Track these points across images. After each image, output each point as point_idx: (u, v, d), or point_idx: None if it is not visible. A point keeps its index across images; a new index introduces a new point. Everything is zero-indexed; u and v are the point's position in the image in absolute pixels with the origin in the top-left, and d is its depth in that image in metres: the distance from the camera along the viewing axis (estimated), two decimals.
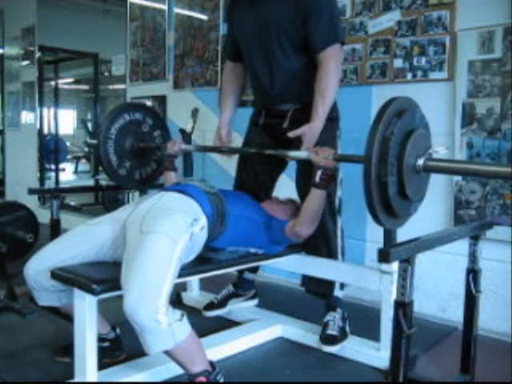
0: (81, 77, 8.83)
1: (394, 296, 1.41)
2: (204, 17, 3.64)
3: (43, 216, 3.30)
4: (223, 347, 2.11)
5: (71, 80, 9.25)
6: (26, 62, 5.46)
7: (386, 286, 2.03)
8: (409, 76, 2.63)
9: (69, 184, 7.51)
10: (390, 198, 1.43)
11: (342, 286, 2.26)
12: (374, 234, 2.62)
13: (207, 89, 3.64)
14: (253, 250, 2.07)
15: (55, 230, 2.59)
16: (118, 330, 2.07)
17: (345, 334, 2.17)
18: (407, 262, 1.36)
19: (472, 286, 1.72)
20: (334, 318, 2.19)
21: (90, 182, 6.82)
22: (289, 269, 2.35)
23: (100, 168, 5.24)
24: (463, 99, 2.45)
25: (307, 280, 2.32)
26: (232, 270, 2.14)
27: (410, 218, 1.63)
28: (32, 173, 5.49)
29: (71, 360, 1.77)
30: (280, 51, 2.11)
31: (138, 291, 1.51)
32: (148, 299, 1.50)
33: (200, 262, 1.90)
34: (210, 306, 2.49)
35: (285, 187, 2.42)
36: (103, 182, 4.52)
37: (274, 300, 2.76)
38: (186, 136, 3.38)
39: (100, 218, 1.95)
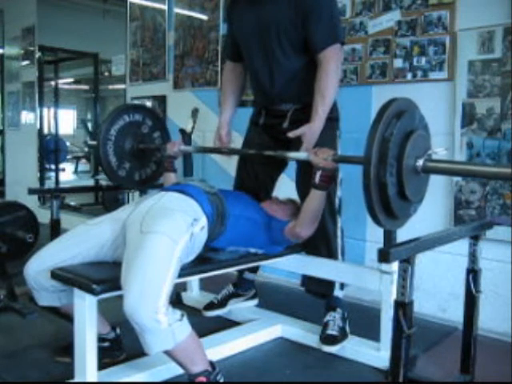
0: (81, 77, 8.83)
1: (393, 296, 1.41)
2: (204, 17, 3.64)
3: (43, 216, 3.30)
4: (223, 347, 2.11)
5: (71, 80, 9.25)
6: (26, 62, 5.46)
7: (386, 286, 2.03)
8: (409, 76, 2.63)
9: (69, 184, 7.51)
10: (390, 199, 1.43)
11: (342, 285, 2.26)
12: (374, 234, 2.62)
13: (207, 89, 3.64)
14: (253, 250, 2.07)
15: (55, 229, 2.60)
16: (117, 330, 2.07)
17: (345, 334, 2.17)
18: (407, 262, 1.36)
19: (472, 285, 1.72)
20: (334, 318, 2.19)
21: (90, 182, 6.82)
22: (289, 269, 2.35)
23: (100, 168, 5.24)
24: (463, 99, 2.45)
25: (307, 280, 2.32)
26: (232, 269, 2.14)
27: (409, 218, 1.63)
28: (32, 173, 5.49)
29: (71, 360, 1.77)
30: (280, 51, 2.11)
31: (138, 291, 1.51)
32: (148, 299, 1.50)
33: (200, 262, 1.90)
34: (210, 306, 2.49)
35: (285, 187, 2.42)
36: (103, 182, 4.51)
37: (274, 300, 2.76)
38: (186, 136, 3.37)
39: (100, 218, 1.95)
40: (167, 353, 1.60)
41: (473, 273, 1.73)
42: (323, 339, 2.14)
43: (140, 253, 1.60)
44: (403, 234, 1.70)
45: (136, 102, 4.15)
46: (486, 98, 2.39)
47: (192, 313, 2.25)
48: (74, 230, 1.91)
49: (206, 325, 2.31)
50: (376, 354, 2.07)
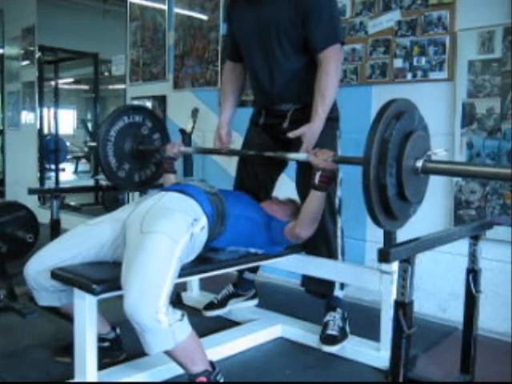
0: (81, 77, 8.83)
1: (394, 296, 1.41)
2: (204, 17, 3.64)
3: (43, 216, 3.30)
4: (223, 347, 2.11)
5: (71, 80, 9.24)
6: (26, 62, 5.46)
7: (386, 286, 2.03)
8: (409, 76, 2.63)
9: (69, 184, 7.51)
10: (389, 200, 1.43)
11: (342, 285, 2.26)
12: (374, 234, 2.62)
13: (207, 89, 3.64)
14: (253, 250, 2.07)
15: (55, 230, 2.60)
16: (117, 330, 2.08)
17: (345, 334, 2.17)
18: (407, 262, 1.36)
19: (472, 285, 1.72)
20: (334, 318, 2.19)
21: (90, 182, 6.82)
22: (289, 269, 2.35)
23: (100, 168, 5.25)
24: (463, 99, 2.45)
25: (307, 280, 2.32)
26: (232, 269, 2.14)
27: (409, 219, 1.63)
28: (32, 173, 5.49)
29: (71, 360, 1.77)
30: (280, 51, 2.11)
31: (139, 291, 1.51)
32: (148, 299, 1.51)
33: (200, 262, 1.90)
34: (210, 306, 2.49)
35: (285, 187, 2.42)
36: (103, 182, 4.52)
37: (274, 300, 2.76)
38: (186, 136, 3.38)
39: (100, 218, 1.95)
40: (167, 353, 1.60)
41: (473, 273, 1.73)
42: (323, 339, 2.14)
43: (140, 253, 1.60)
44: (403, 234, 1.70)
45: (136, 102, 4.15)
46: (485, 98, 2.39)
47: (192, 313, 2.25)
48: (73, 230, 1.91)
49: (206, 325, 2.31)
50: (376, 354, 2.07)
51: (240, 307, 2.52)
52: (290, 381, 1.98)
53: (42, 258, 1.82)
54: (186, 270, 1.80)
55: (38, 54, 5.31)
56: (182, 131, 3.39)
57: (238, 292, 2.53)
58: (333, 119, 2.15)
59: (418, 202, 1.60)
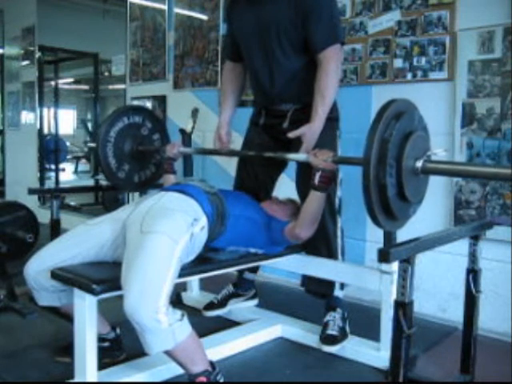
0: (81, 77, 8.83)
1: (394, 296, 1.41)
2: (204, 17, 3.64)
3: (43, 216, 3.30)
4: (223, 347, 2.11)
5: (71, 80, 9.24)
6: (26, 62, 5.46)
7: (386, 286, 2.03)
8: (409, 76, 2.63)
9: (69, 184, 7.51)
10: (389, 200, 1.43)
11: (342, 285, 2.26)
12: (374, 234, 2.62)
13: (207, 89, 3.64)
14: (253, 250, 2.07)
15: (55, 230, 2.60)
16: (117, 330, 2.08)
17: (345, 334, 2.17)
18: (407, 262, 1.36)
19: (472, 285, 1.72)
20: (334, 318, 2.19)
21: (90, 182, 6.83)
22: (289, 269, 2.35)
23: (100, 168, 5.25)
24: (463, 99, 2.45)
25: (307, 280, 2.32)
26: (232, 269, 2.14)
27: (408, 219, 1.63)
28: (32, 173, 5.49)
29: (71, 360, 1.77)
30: (280, 51, 2.11)
31: (139, 291, 1.51)
32: (148, 299, 1.51)
33: (200, 262, 1.90)
34: (210, 306, 2.49)
35: (285, 187, 2.42)
36: (103, 182, 4.52)
37: (274, 300, 2.76)
38: (186, 136, 3.38)
39: (100, 218, 1.95)
40: (167, 353, 1.60)
41: (473, 273, 1.73)
42: (323, 339, 2.14)
43: (140, 252, 1.60)
44: (403, 234, 1.70)
45: (136, 102, 4.15)
46: (486, 98, 2.39)
47: (192, 313, 2.25)
48: (73, 230, 1.91)
49: (206, 325, 2.31)
50: (376, 354, 2.07)
51: (240, 307, 2.52)
52: (290, 381, 1.98)
53: (42, 258, 1.82)
54: (186, 270, 1.80)
55: (38, 54, 5.31)
56: (182, 131, 3.39)
57: (238, 292, 2.53)
58: (333, 119, 2.15)
59: (417, 202, 1.60)
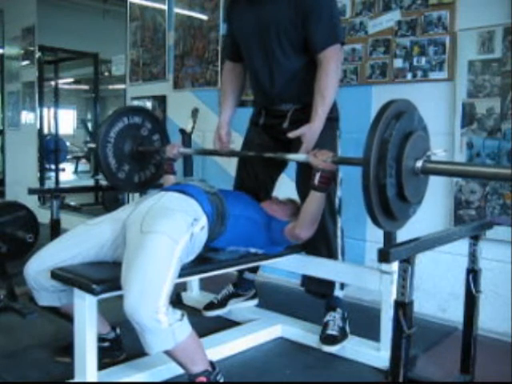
0: (81, 77, 8.83)
1: (394, 296, 1.41)
2: (204, 17, 3.64)
3: (43, 216, 3.30)
4: (223, 347, 2.11)
5: (71, 80, 9.25)
6: (26, 62, 5.46)
7: (386, 286, 2.03)
8: (409, 76, 2.63)
9: (69, 184, 7.51)
10: (389, 200, 1.43)
11: (342, 285, 2.26)
12: (374, 234, 2.62)
13: (207, 89, 3.64)
14: (253, 250, 2.07)
15: (55, 230, 2.60)
16: (117, 330, 2.08)
17: (345, 333, 2.17)
18: (407, 262, 1.36)
19: (472, 285, 1.72)
20: (334, 318, 2.19)
21: (90, 182, 6.83)
22: (289, 269, 2.35)
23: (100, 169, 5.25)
24: (463, 99, 2.45)
25: (307, 280, 2.32)
26: (232, 269, 2.14)
27: (408, 220, 1.63)
28: (32, 173, 5.49)
29: (71, 360, 1.77)
30: (280, 51, 2.11)
31: (139, 291, 1.51)
32: (148, 299, 1.51)
33: (200, 262, 1.90)
34: (210, 306, 2.49)
35: (285, 187, 2.42)
36: (103, 182, 4.52)
37: (274, 300, 2.76)
38: (186, 136, 3.37)
39: (100, 218, 1.95)
40: (167, 353, 1.61)
41: (473, 273, 1.73)
42: (323, 339, 2.14)
43: (140, 252, 1.60)
44: (403, 234, 1.70)
45: (136, 102, 4.16)
46: (486, 98, 2.39)
47: (192, 313, 2.25)
48: (73, 230, 1.91)
49: (206, 325, 2.31)
50: (376, 354, 2.07)
51: (240, 307, 2.52)
52: (290, 381, 1.98)
53: (42, 258, 1.82)
54: (186, 270, 1.80)
55: (38, 54, 5.31)
56: (182, 131, 3.39)
57: (238, 292, 2.53)
58: (333, 119, 2.15)
59: (417, 203, 1.60)
